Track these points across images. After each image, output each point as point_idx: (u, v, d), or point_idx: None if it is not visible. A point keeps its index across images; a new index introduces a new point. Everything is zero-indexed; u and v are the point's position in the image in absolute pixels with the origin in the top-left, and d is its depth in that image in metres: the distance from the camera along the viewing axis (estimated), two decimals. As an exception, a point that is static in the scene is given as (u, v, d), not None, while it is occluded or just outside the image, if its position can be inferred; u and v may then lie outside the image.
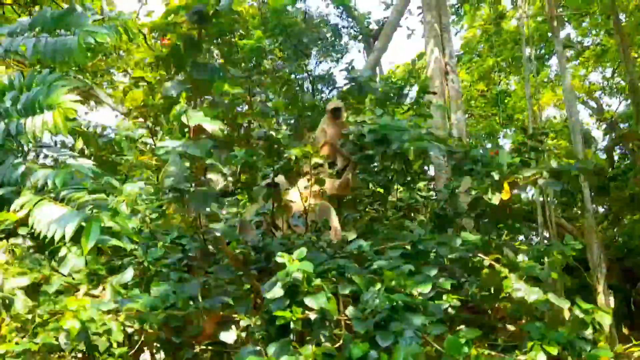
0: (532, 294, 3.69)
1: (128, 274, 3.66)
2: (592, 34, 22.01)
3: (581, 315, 3.54)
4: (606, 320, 3.58)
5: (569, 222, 20.52)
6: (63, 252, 3.81)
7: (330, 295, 3.16)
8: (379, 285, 3.31)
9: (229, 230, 3.80)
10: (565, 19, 21.76)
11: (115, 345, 3.34)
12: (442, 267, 4.37)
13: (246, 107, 13.37)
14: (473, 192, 4.91)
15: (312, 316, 3.16)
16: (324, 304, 3.05)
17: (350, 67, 7.76)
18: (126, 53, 17.12)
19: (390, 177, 6.84)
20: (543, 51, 22.51)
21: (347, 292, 3.47)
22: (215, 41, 13.62)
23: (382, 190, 7.44)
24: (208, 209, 3.76)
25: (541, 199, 15.97)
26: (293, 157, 4.24)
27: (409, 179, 6.83)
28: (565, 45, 22.31)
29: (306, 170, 5.19)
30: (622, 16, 15.66)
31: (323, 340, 3.20)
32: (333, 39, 14.54)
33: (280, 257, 3.26)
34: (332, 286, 3.44)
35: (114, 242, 3.75)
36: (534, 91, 18.27)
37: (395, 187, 7.19)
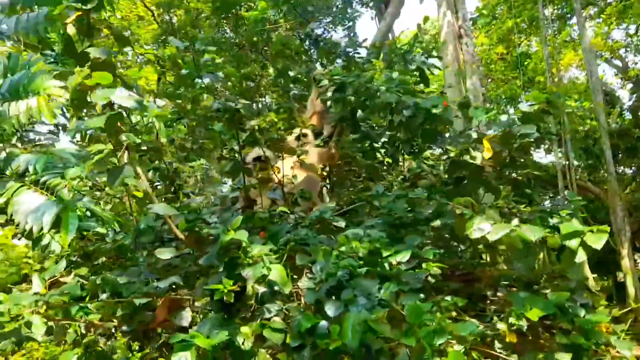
0: (496, 232, 3.24)
1: (61, 266, 3.53)
2: (615, -11, 21.20)
3: (569, 244, 3.20)
4: (601, 240, 3.17)
5: (596, 185, 20.10)
6: (47, 239, 3.73)
7: (276, 266, 2.95)
8: (335, 253, 3.11)
9: (171, 209, 3.57)
10: (588, -25, 21.05)
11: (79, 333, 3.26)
12: (437, 237, 4.14)
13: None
14: (452, 155, 4.61)
15: (261, 289, 2.96)
16: (276, 277, 2.86)
17: (351, 35, 7.46)
18: (136, 32, 17.06)
19: (397, 146, 6.61)
20: (565, 10, 21.79)
21: (304, 263, 3.26)
22: (222, 15, 13.52)
23: (390, 160, 7.24)
24: (117, 183, 3.52)
25: (564, 162, 15.65)
26: (256, 128, 4.04)
27: (416, 148, 6.56)
28: (588, 3, 21.63)
29: (289, 142, 4.96)
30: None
31: (272, 314, 3.01)
32: (342, 6, 14.21)
33: (213, 229, 3.11)
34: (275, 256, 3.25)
35: (99, 229, 3.66)
36: (554, 52, 17.76)
37: (403, 156, 6.96)
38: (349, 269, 3.00)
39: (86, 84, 3.42)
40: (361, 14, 16.03)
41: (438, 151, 7.69)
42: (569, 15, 21.86)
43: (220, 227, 3.10)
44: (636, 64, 23.27)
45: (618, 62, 23.31)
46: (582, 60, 21.37)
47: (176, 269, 3.62)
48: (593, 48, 16.00)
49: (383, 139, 6.49)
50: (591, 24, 22.54)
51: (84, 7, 3.45)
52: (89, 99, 3.42)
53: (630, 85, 22.24)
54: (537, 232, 3.23)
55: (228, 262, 3.03)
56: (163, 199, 4.70)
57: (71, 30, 3.44)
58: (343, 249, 3.14)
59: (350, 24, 14.23)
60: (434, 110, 4.17)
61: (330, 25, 13.12)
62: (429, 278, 3.22)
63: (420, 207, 4.06)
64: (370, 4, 15.82)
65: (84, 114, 4.68)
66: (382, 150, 6.97)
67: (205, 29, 13.40)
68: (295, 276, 3.35)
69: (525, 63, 22.24)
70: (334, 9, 13.63)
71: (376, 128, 6.20)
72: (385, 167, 7.50)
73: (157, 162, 4.44)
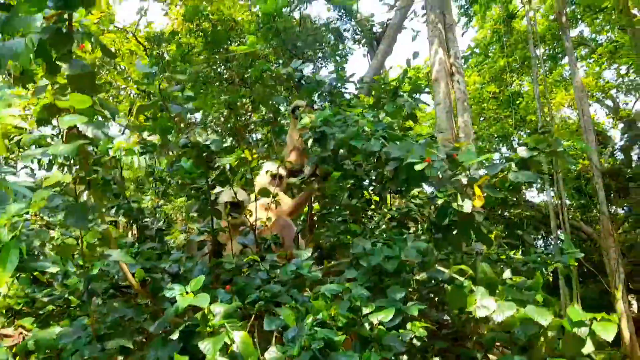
0: (502, 312, 3.00)
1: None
2: (604, 30, 21.41)
3: (575, 330, 2.93)
4: (611, 331, 2.92)
5: (589, 225, 19.93)
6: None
7: (240, 334, 2.59)
8: (310, 319, 2.71)
9: (127, 257, 3.20)
10: (578, 17, 21.27)
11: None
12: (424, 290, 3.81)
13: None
14: (439, 201, 4.33)
15: (220, 364, 2.61)
16: (240, 347, 2.51)
17: (339, 69, 7.22)
18: (128, 66, 16.96)
19: (384, 184, 6.35)
20: (557, 50, 21.98)
21: (273, 328, 2.83)
22: (213, 50, 13.42)
23: (377, 199, 6.99)
24: (88, 225, 3.14)
25: (557, 201, 15.47)
26: (227, 166, 3.72)
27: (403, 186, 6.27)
28: (579, 43, 21.81)
29: (258, 182, 4.63)
30: (635, 11, 15.06)
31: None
32: (334, 42, 14.13)
33: (169, 290, 2.75)
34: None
35: (51, 268, 3.30)
36: (545, 91, 17.76)
37: (390, 194, 6.70)
38: (328, 340, 2.60)
39: (57, 105, 3.09)
40: (353, 50, 15.98)
41: (429, 189, 7.45)
42: (560, 55, 22.00)
43: (177, 288, 2.71)
44: (627, 104, 23.38)
45: (610, 102, 23.39)
46: (573, 100, 21.43)
47: (131, 322, 3.25)
48: (584, 88, 15.98)
49: (371, 177, 6.24)
50: (582, 64, 22.69)
51: (66, 10, 3.06)
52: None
53: (621, 125, 22.27)
54: (547, 316, 2.98)
55: (184, 330, 2.68)
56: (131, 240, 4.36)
57: (44, 34, 3.07)
58: (320, 315, 2.76)
59: (342, 60, 14.14)
60: (417, 167, 3.88)
61: (321, 61, 13.00)
62: (414, 340, 2.90)
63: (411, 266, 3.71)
64: (362, 41, 15.77)
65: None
66: (370, 189, 6.74)
67: (195, 64, 13.26)
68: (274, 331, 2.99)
69: (517, 102, 22.27)
70: (325, 45, 13.54)
71: (364, 165, 5.96)
72: (373, 206, 7.25)
73: (120, 198, 4.13)
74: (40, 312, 3.61)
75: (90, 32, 3.51)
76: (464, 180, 3.88)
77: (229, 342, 2.53)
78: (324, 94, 6.60)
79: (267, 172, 5.16)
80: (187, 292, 2.66)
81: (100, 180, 3.27)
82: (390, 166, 4.06)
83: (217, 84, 13.23)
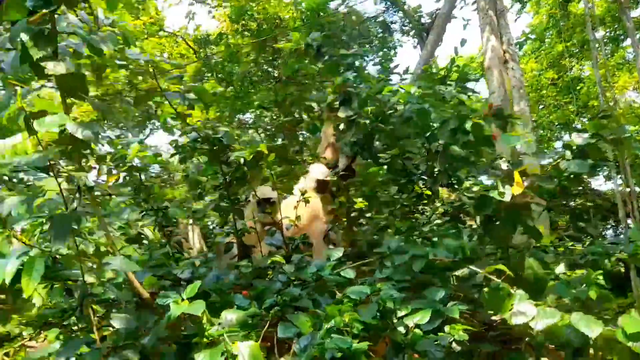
0: (542, 318, 2.66)
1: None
2: (669, 8, 20.29)
3: (634, 347, 2.59)
4: None
5: (661, 213, 18.92)
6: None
7: (248, 344, 2.29)
8: (326, 326, 2.43)
9: (132, 264, 2.99)
10: (640, -5, 20.24)
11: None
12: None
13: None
14: (475, 188, 3.99)
15: (227, 378, 2.37)
16: (249, 358, 2.29)
17: (383, 61, 6.99)
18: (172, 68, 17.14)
19: (435, 177, 6.07)
20: (618, 32, 20.97)
21: (288, 335, 2.56)
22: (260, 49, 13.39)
23: (429, 193, 6.72)
24: (66, 241, 2.91)
25: (625, 189, 14.67)
26: (242, 161, 3.49)
27: (454, 179, 5.98)
28: (642, 23, 20.75)
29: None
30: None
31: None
32: (383, 35, 13.88)
33: (162, 298, 2.56)
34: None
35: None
36: (607, 74, 16.96)
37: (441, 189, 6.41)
38: (341, 350, 2.32)
39: (28, 110, 2.95)
40: (402, 43, 15.67)
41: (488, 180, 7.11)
42: (622, 37, 20.98)
43: (172, 295, 2.52)
44: (698, 84, 22.10)
45: (679, 84, 22.17)
46: (638, 83, 20.41)
47: (144, 334, 3.06)
48: (650, 69, 15.12)
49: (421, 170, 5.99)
50: (644, 44, 21.58)
51: (45, 9, 2.90)
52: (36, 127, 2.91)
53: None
54: (594, 326, 2.64)
55: (181, 341, 2.50)
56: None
57: (25, 35, 2.92)
58: (333, 322, 2.48)
59: (389, 52, 13.88)
60: (475, 121, 3.53)
61: (368, 55, 12.77)
62: (454, 344, 2.61)
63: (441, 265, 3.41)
64: (411, 33, 15.44)
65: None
66: (420, 183, 6.49)
67: (242, 64, 13.26)
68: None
69: (578, 87, 21.37)
70: (373, 37, 13.30)
71: (415, 155, 5.68)
72: (425, 200, 6.97)
73: (149, 204, 4.00)
74: (65, 323, 3.52)
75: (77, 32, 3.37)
76: (504, 166, 3.57)
77: (228, 354, 2.30)
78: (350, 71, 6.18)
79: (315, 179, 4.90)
80: (182, 300, 2.47)
81: (85, 184, 3.07)
82: (447, 126, 3.74)
83: (265, 82, 13.19)
